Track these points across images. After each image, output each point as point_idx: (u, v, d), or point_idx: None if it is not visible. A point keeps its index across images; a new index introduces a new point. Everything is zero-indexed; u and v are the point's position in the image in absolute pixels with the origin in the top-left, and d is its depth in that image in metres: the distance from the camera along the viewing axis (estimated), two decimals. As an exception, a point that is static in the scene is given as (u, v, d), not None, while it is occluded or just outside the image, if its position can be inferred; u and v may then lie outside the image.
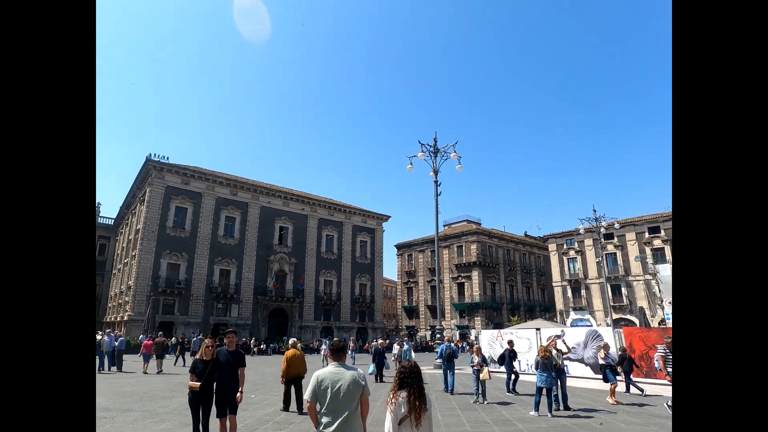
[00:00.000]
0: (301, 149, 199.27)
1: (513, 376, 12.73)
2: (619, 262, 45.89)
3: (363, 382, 3.49)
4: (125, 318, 35.56)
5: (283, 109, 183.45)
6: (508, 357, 12.47)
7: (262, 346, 34.22)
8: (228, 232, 41.48)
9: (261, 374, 17.00)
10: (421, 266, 61.57)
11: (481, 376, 10.89)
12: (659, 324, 31.73)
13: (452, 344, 14.62)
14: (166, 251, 37.28)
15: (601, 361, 11.99)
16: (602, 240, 35.11)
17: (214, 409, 5.99)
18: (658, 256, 42.63)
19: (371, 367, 15.78)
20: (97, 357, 18.04)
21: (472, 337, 46.93)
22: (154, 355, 18.65)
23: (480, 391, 11.00)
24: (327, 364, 3.73)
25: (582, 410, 10.03)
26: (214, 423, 6.10)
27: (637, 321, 38.83)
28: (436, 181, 20.75)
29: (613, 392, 11.22)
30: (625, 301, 44.89)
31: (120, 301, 40.78)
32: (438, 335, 21.70)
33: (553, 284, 53.02)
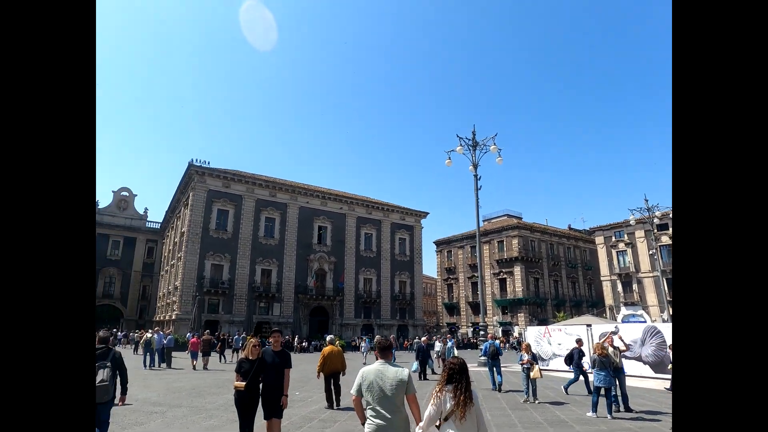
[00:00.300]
0: (338, 150, 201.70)
1: (581, 377, 11.52)
2: (674, 255, 43.16)
3: (407, 380, 3.46)
4: (173, 317, 37.06)
5: (316, 113, 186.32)
6: (577, 356, 11.27)
7: (304, 344, 34.72)
8: (268, 233, 42.27)
9: (304, 371, 17.04)
10: (460, 262, 60.52)
11: (532, 374, 10.44)
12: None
13: (497, 341, 14.00)
14: (210, 252, 38.48)
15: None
16: (656, 231, 32.93)
17: (260, 410, 5.81)
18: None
19: (415, 365, 15.50)
20: (148, 354, 18.99)
21: (516, 334, 45.63)
22: (201, 353, 19.17)
23: (530, 390, 10.52)
24: (367, 362, 3.52)
25: (645, 412, 9.28)
26: (260, 422, 5.93)
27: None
28: (476, 175, 20.06)
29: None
30: (681, 295, 42.14)
31: (168, 300, 42.52)
32: (482, 332, 21.08)
33: (601, 278, 50.68)
